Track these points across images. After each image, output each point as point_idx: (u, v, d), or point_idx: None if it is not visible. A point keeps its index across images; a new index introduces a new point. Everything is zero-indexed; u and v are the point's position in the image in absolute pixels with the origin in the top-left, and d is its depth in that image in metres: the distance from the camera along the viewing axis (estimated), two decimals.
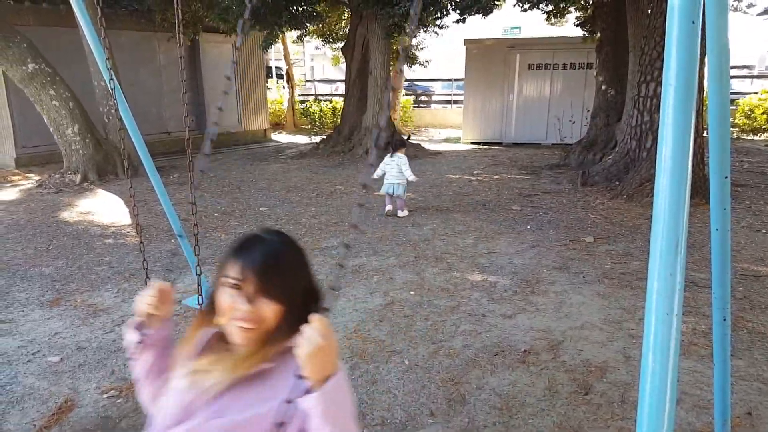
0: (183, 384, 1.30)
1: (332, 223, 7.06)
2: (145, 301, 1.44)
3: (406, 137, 9.70)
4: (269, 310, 1.26)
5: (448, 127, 18.96)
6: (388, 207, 7.43)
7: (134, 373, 1.48)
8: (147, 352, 1.46)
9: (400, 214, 7.37)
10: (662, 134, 1.16)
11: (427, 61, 17.94)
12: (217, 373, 1.27)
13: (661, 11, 8.00)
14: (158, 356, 1.46)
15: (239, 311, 1.25)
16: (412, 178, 7.34)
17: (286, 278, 1.29)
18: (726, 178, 2.05)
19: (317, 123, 17.40)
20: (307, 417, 1.15)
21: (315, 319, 1.15)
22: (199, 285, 2.83)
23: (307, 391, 1.14)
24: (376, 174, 7.44)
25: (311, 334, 1.13)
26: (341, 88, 19.60)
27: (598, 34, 11.97)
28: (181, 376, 1.31)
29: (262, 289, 1.25)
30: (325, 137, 14.20)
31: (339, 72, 24.87)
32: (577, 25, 13.80)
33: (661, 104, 1.18)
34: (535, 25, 18.66)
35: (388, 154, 7.50)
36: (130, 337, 1.46)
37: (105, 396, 3.28)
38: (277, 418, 1.17)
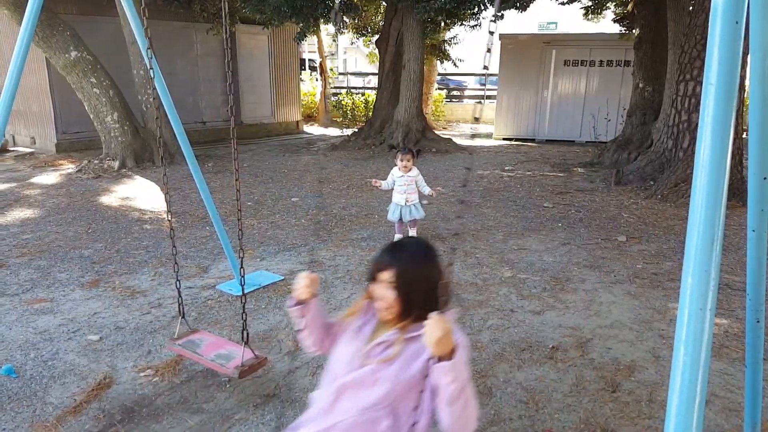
0: (355, 341, 1.83)
1: (362, 216, 7.11)
2: (300, 284, 1.94)
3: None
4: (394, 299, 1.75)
5: (480, 123, 18.87)
6: (399, 235, 5.95)
7: (297, 327, 1.99)
8: (305, 315, 1.95)
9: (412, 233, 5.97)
10: (701, 133, 1.17)
11: (460, 59, 17.90)
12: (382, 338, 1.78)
13: (703, 9, 7.86)
14: (312, 317, 1.96)
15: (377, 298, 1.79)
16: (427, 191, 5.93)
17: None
18: (765, 179, 2.03)
19: (349, 116, 17.46)
20: (439, 376, 1.57)
21: (433, 315, 1.56)
22: (241, 268, 2.93)
23: (440, 359, 1.55)
24: (386, 184, 5.98)
25: (430, 328, 1.54)
26: (374, 81, 19.63)
27: (637, 31, 11.79)
28: (352, 335, 1.86)
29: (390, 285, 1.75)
30: (356, 130, 14.25)
31: (372, 65, 24.90)
32: (615, 22, 13.60)
33: (701, 104, 1.19)
34: (571, 20, 18.45)
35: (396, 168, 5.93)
36: (291, 307, 1.97)
37: (142, 374, 3.39)
38: (423, 371, 1.66)
